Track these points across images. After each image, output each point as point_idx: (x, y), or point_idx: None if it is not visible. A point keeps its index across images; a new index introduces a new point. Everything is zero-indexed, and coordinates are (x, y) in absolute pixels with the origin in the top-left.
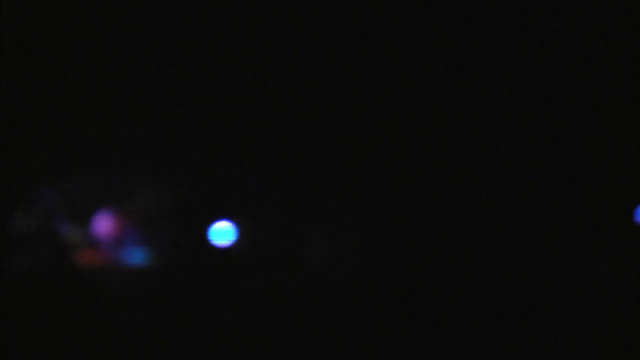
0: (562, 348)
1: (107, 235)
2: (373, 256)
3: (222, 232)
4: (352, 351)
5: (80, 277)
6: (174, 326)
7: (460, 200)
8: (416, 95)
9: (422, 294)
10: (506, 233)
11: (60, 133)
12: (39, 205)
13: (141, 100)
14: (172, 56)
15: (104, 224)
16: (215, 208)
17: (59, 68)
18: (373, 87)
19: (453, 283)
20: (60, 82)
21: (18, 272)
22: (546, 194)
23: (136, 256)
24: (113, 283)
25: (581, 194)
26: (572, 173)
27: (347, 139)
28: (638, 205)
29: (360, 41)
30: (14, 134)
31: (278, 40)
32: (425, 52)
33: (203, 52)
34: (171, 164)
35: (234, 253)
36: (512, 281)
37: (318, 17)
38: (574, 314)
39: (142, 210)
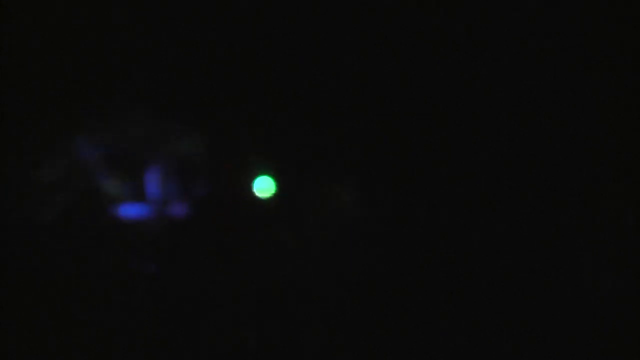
0: (562, 348)
1: (152, 188)
2: (373, 256)
3: (265, 186)
4: (353, 350)
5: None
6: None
7: (460, 200)
8: (416, 95)
9: (422, 294)
10: (506, 233)
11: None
12: (74, 155)
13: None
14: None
15: (149, 178)
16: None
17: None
18: (374, 86)
19: (453, 283)
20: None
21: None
22: (546, 194)
23: (177, 209)
24: (155, 236)
25: (581, 194)
26: (572, 173)
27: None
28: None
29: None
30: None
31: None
32: (425, 52)
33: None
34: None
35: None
36: (512, 281)
37: (318, 17)
38: (574, 314)
39: (184, 163)
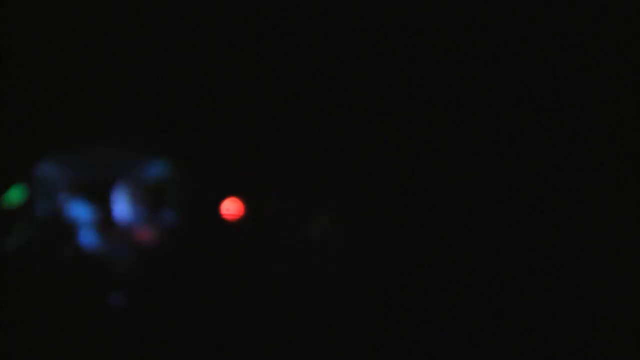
0: (562, 348)
1: (123, 213)
2: (374, 259)
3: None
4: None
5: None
6: (178, 314)
7: (459, 201)
8: (416, 95)
9: (422, 293)
10: (506, 233)
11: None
12: (39, 180)
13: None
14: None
15: (119, 202)
16: (223, 185)
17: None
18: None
19: (453, 283)
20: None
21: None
22: (546, 194)
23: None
24: (124, 263)
25: (581, 194)
26: (572, 173)
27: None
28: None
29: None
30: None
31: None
32: (425, 52)
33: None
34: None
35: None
36: (512, 281)
37: (318, 17)
38: (574, 314)
39: (151, 186)
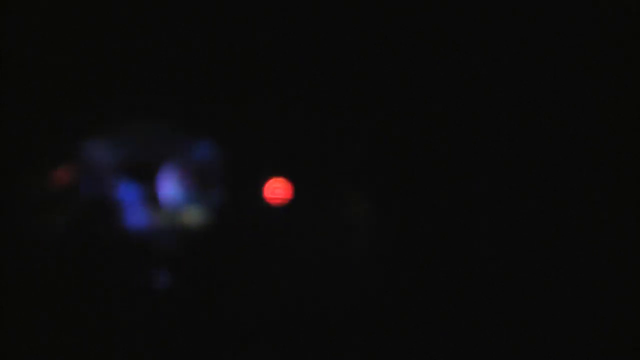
0: (562, 348)
1: (169, 194)
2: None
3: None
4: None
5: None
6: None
7: (459, 201)
8: (416, 95)
9: (421, 293)
10: (506, 233)
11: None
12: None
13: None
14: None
15: (166, 183)
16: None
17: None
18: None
19: (453, 284)
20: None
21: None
22: (546, 194)
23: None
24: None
25: (581, 194)
26: (572, 173)
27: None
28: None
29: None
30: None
31: None
32: (424, 52)
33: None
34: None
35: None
36: (512, 281)
37: (318, 17)
38: (573, 314)
39: (197, 167)
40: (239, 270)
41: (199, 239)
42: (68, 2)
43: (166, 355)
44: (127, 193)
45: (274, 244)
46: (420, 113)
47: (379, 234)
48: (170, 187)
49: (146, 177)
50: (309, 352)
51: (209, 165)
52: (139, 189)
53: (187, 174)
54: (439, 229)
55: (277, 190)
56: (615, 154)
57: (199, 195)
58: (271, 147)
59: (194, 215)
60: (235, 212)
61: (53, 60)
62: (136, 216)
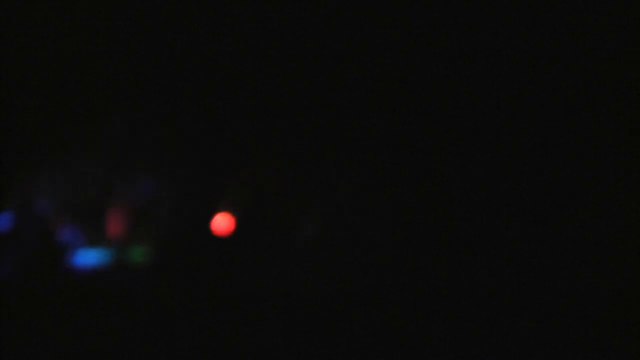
0: (562, 348)
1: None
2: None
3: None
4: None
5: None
6: (173, 322)
7: (459, 201)
8: (416, 95)
9: (421, 293)
10: (506, 233)
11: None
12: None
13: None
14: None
15: (111, 222)
16: (213, 201)
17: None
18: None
19: (452, 282)
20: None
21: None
22: (546, 194)
23: (137, 254)
24: (116, 282)
25: (581, 194)
26: (572, 173)
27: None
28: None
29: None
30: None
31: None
32: (425, 52)
33: (201, 51)
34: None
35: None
36: (512, 281)
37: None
38: (573, 313)
39: (142, 207)
40: (187, 304)
41: (146, 276)
42: None
43: None
44: (69, 235)
45: (221, 275)
46: (420, 112)
47: (377, 233)
48: (114, 226)
49: (89, 218)
50: None
51: (153, 202)
52: (82, 229)
53: (131, 212)
54: (439, 228)
55: (222, 223)
56: (615, 154)
57: (142, 233)
58: (215, 183)
59: (139, 254)
60: (182, 248)
61: None
62: (80, 257)
